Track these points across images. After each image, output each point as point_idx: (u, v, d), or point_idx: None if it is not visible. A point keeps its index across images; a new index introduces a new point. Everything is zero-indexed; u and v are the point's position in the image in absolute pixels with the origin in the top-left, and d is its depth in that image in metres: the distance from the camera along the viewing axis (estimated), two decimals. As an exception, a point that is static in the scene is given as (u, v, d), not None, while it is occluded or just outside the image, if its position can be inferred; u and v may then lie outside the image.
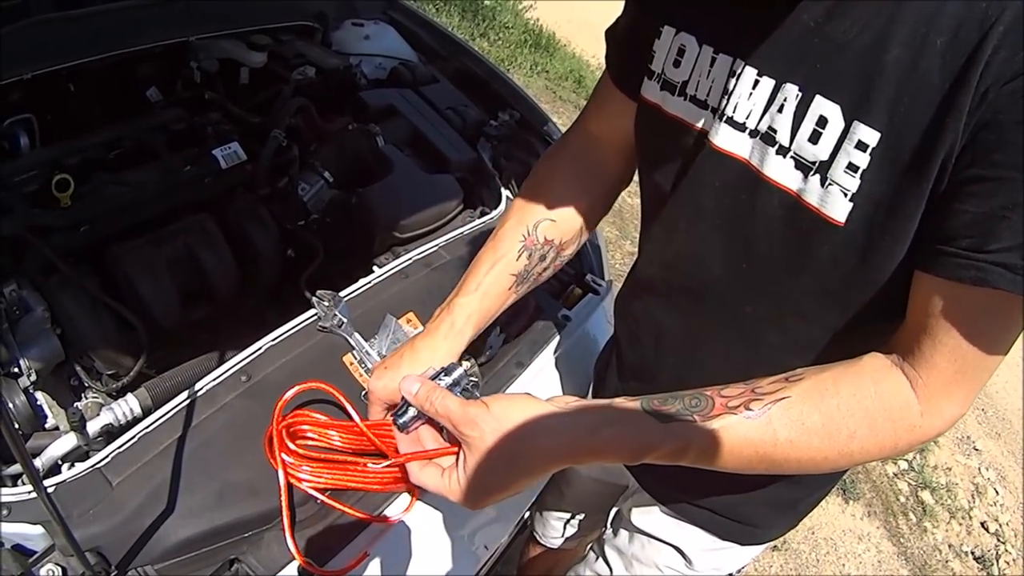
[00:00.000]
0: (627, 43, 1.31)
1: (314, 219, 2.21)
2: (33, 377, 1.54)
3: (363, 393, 1.43)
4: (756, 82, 1.04)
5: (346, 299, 1.65)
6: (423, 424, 1.12)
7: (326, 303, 1.58)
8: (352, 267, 2.13)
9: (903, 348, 0.99)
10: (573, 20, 11.05)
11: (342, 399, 1.37)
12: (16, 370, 1.52)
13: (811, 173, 0.99)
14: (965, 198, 0.88)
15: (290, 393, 1.32)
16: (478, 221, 2.22)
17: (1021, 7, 0.83)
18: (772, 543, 1.58)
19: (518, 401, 1.02)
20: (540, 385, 1.80)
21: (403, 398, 1.10)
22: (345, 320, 1.57)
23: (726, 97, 1.09)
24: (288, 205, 2.16)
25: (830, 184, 0.97)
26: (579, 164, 1.45)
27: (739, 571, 1.62)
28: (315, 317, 1.60)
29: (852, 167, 0.95)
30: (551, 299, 2.05)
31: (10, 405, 1.46)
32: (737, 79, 1.06)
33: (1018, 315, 0.91)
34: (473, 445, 1.00)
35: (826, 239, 1.01)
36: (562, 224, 1.40)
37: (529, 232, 1.37)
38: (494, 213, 2.29)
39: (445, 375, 1.12)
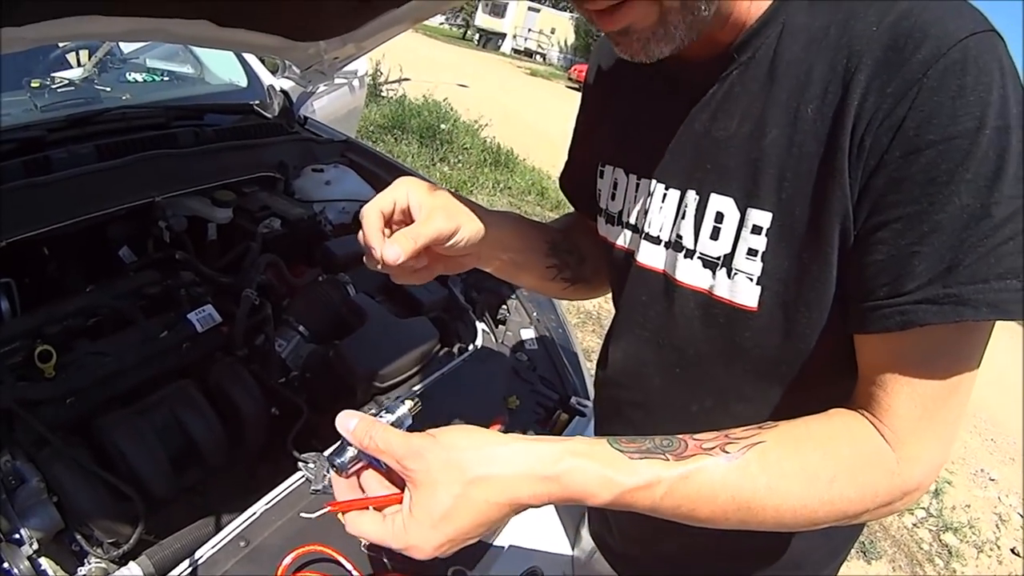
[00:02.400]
0: (581, 185, 1.45)
1: (294, 376, 2.29)
2: (35, 545, 1.58)
3: (363, 544, 1.48)
4: (664, 196, 1.14)
5: (330, 457, 1.72)
6: (365, 468, 1.02)
7: (312, 465, 1.67)
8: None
9: (863, 402, 0.99)
10: (528, 133, 11.39)
11: (342, 559, 1.44)
12: (18, 537, 1.57)
13: (718, 268, 1.06)
14: (873, 248, 0.91)
15: (289, 559, 1.39)
16: (457, 359, 2.32)
17: (878, 52, 0.88)
18: None
19: (469, 430, 0.97)
20: (541, 520, 1.84)
21: (341, 439, 1.01)
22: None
23: (644, 216, 1.20)
24: (267, 363, 2.24)
25: (735, 274, 1.03)
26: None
27: None
28: (305, 479, 1.67)
29: (752, 252, 1.01)
30: (539, 428, 2.12)
31: (15, 571, 1.50)
32: (651, 197, 1.17)
33: (963, 342, 0.92)
34: (419, 480, 0.92)
35: (745, 327, 1.06)
36: (589, 245, 1.48)
37: (563, 227, 1.52)
38: (471, 347, 2.40)
39: (386, 412, 1.04)
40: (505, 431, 1.79)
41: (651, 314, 1.21)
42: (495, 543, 1.71)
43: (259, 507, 1.60)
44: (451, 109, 12.16)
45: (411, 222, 1.12)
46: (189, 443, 1.94)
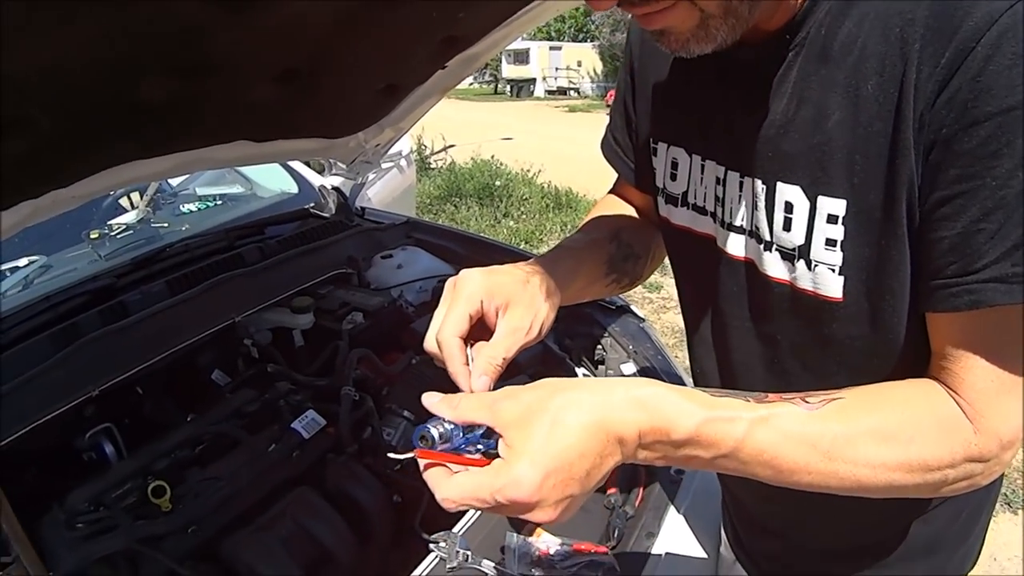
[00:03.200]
0: (629, 152, 1.46)
1: (409, 459, 2.28)
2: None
3: None
4: (740, 184, 1.12)
5: (462, 532, 1.74)
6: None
7: (443, 544, 1.68)
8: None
9: (938, 376, 0.98)
10: (582, 169, 11.46)
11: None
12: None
13: (796, 260, 1.04)
14: (938, 225, 0.90)
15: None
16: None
17: (929, 19, 0.87)
18: None
19: (547, 379, 0.96)
20: (678, 550, 1.83)
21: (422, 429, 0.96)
22: (468, 552, 1.66)
23: (719, 202, 1.18)
24: (379, 454, 2.26)
25: (816, 265, 1.02)
26: (629, 208, 1.56)
27: None
28: (439, 559, 1.68)
29: (830, 242, 1.00)
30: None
31: None
32: (723, 183, 1.16)
33: None
34: (512, 417, 0.90)
35: (832, 317, 1.05)
36: (638, 235, 1.48)
37: (616, 230, 1.46)
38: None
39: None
40: (625, 469, 1.81)
41: (745, 303, 1.20)
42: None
43: (401, 596, 1.60)
44: (501, 164, 12.26)
45: (487, 316, 1.11)
46: (318, 548, 1.96)
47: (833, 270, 1.01)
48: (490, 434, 0.94)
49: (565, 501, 0.88)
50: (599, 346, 2.67)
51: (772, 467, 0.93)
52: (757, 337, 1.21)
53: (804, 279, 1.05)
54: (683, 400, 0.92)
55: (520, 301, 1.11)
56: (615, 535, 1.81)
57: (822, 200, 0.99)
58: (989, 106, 0.82)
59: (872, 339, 1.05)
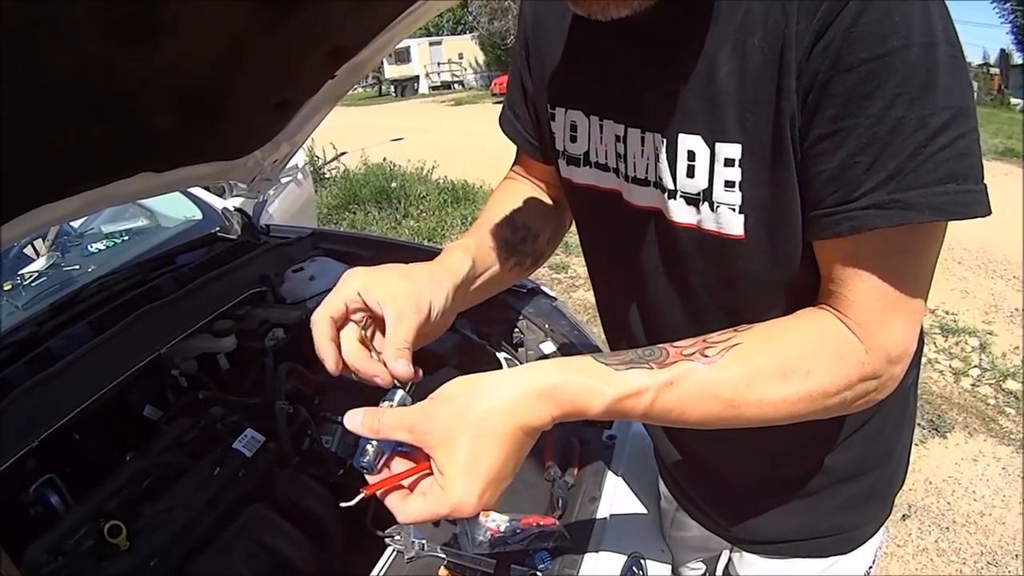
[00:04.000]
0: (530, 124, 1.49)
1: (350, 463, 2.33)
2: None
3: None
4: (641, 138, 1.17)
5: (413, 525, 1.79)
6: (390, 459, 1.03)
7: (398, 537, 1.73)
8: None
9: (828, 301, 1.06)
10: (474, 161, 11.48)
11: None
12: None
13: (700, 204, 1.10)
14: (818, 160, 0.97)
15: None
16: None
17: None
18: (892, 519, 1.57)
19: (461, 379, 1.01)
20: (622, 509, 1.90)
21: (357, 440, 1.02)
22: (423, 542, 1.71)
23: (621, 158, 1.23)
24: (322, 462, 2.31)
25: (718, 206, 1.08)
26: (527, 186, 1.59)
27: (869, 570, 1.62)
28: (396, 552, 1.73)
29: (729, 184, 1.06)
30: (587, 428, 2.18)
31: None
32: (624, 140, 1.21)
33: (914, 243, 0.99)
34: (435, 441, 0.96)
35: (737, 255, 1.11)
36: (535, 215, 1.51)
37: (509, 213, 1.48)
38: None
39: (386, 401, 1.06)
40: (559, 440, 1.86)
41: (655, 252, 1.26)
42: (592, 541, 1.76)
43: (365, 592, 1.64)
44: (394, 166, 12.22)
45: (374, 315, 1.14)
46: (277, 561, 1.99)
47: (734, 209, 1.07)
48: None
49: (502, 490, 0.99)
50: (516, 329, 2.73)
51: (681, 421, 1.03)
52: (671, 283, 1.27)
53: (708, 221, 1.11)
54: (591, 381, 0.99)
55: (399, 290, 1.14)
56: (560, 505, 1.88)
57: (719, 146, 1.05)
58: (863, 53, 0.90)
59: (774, 273, 1.12)
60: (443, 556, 1.70)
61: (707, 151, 1.07)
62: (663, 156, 1.13)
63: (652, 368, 1.00)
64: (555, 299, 2.77)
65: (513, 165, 1.64)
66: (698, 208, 1.11)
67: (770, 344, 1.04)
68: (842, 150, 0.95)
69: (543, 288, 2.79)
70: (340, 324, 1.14)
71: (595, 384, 0.99)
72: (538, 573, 1.67)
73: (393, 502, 1.00)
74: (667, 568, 1.86)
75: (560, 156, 1.37)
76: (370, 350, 1.13)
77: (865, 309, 1.01)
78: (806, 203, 1.02)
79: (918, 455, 4.35)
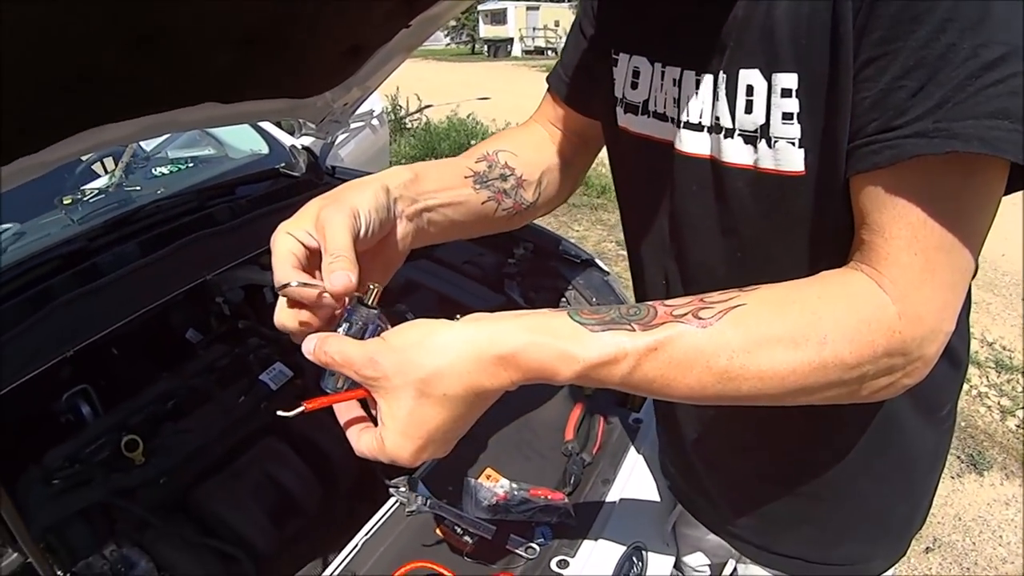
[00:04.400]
0: (577, 70, 1.46)
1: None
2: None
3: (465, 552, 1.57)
4: (697, 82, 1.12)
5: (421, 476, 1.79)
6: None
7: (403, 489, 1.73)
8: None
9: (860, 254, 0.96)
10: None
11: (446, 573, 1.50)
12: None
13: (758, 140, 1.03)
14: (861, 87, 0.90)
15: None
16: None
17: None
18: (915, 550, 1.50)
19: (419, 323, 0.93)
20: (634, 495, 1.88)
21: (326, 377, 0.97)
22: (428, 498, 1.71)
23: (676, 104, 1.18)
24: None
25: (776, 141, 1.01)
26: (537, 132, 1.53)
27: None
28: (398, 504, 1.73)
29: (787, 116, 0.99)
30: (616, 407, 2.15)
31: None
32: (679, 85, 1.16)
33: (960, 186, 0.89)
34: (379, 386, 0.89)
35: (796, 194, 1.03)
36: (523, 159, 1.41)
37: (489, 152, 1.38)
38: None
39: (345, 323, 0.97)
40: (583, 416, 1.85)
41: (707, 201, 1.17)
42: (596, 524, 1.75)
43: (360, 538, 1.66)
44: (477, 124, 12.21)
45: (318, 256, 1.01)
46: (284, 495, 2.02)
47: (792, 143, 1.00)
48: None
49: (452, 443, 0.95)
50: (563, 299, 2.71)
51: (666, 393, 0.92)
52: (720, 232, 1.19)
53: (766, 159, 1.04)
54: (560, 345, 0.89)
55: (320, 207, 1.02)
56: (571, 481, 1.86)
57: (776, 76, 1.00)
58: None
59: (834, 211, 1.02)
60: (443, 515, 1.70)
61: (764, 84, 1.02)
62: (722, 94, 1.08)
63: (634, 330, 0.90)
64: (607, 273, 2.73)
65: (532, 118, 1.59)
66: (755, 146, 1.05)
67: (780, 306, 0.92)
68: (887, 74, 0.88)
69: (597, 261, 2.76)
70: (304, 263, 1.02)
71: (564, 348, 0.89)
72: (536, 546, 1.66)
73: (351, 432, 0.97)
74: (669, 562, 1.83)
75: (618, 103, 1.32)
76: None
77: (901, 264, 0.90)
78: (851, 135, 0.94)
79: (952, 489, 4.24)
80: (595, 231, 8.36)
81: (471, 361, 0.89)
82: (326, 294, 0.95)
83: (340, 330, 0.96)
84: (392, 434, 0.90)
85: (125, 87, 1.90)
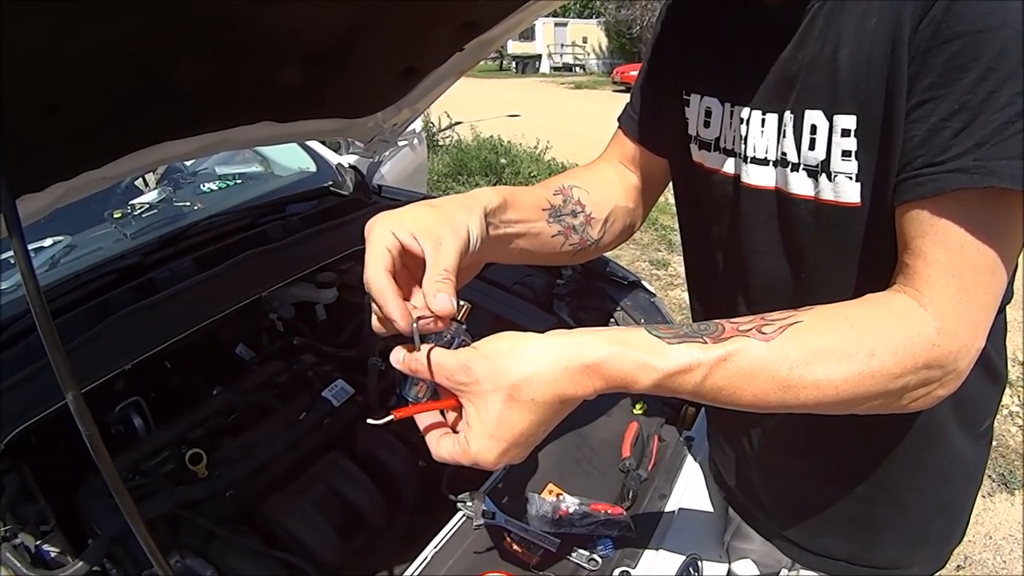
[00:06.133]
0: (648, 111, 1.54)
1: (388, 422, 2.37)
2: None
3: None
4: (763, 120, 1.22)
5: (487, 492, 1.83)
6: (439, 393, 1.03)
7: (470, 503, 1.77)
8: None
9: (902, 276, 1.04)
10: (588, 146, 11.47)
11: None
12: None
13: (819, 175, 1.13)
14: (911, 127, 1.00)
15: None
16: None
17: None
18: (946, 570, 1.53)
19: (508, 334, 1.00)
20: (689, 508, 1.92)
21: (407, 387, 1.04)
22: (495, 511, 1.75)
23: (743, 141, 1.27)
24: (405, 422, 2.32)
25: (836, 175, 1.11)
26: (607, 171, 1.59)
27: None
28: (465, 517, 1.77)
29: (846, 153, 1.09)
30: (669, 426, 2.20)
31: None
32: (747, 123, 1.25)
33: (997, 217, 0.97)
34: (469, 391, 0.97)
35: (853, 223, 1.13)
36: (593, 197, 1.46)
37: (565, 186, 1.43)
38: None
39: (435, 335, 1.02)
40: (638, 434, 1.89)
41: (772, 228, 1.27)
42: (655, 537, 1.79)
43: (429, 551, 1.70)
44: (506, 142, 12.26)
45: (414, 259, 1.06)
46: (349, 510, 2.06)
47: (850, 178, 1.10)
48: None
49: (530, 449, 1.01)
50: (612, 319, 2.74)
51: (732, 401, 1.00)
52: (785, 257, 1.28)
53: (826, 191, 1.13)
54: (641, 355, 0.97)
55: (431, 218, 1.08)
56: (630, 496, 1.90)
57: (837, 118, 1.10)
58: (960, 27, 0.94)
59: (883, 240, 1.10)
60: (510, 528, 1.74)
61: (826, 124, 1.11)
62: (789, 131, 1.17)
63: (706, 343, 0.99)
64: (654, 295, 2.77)
65: (606, 150, 1.65)
66: (817, 180, 1.15)
67: (832, 323, 1.01)
68: (934, 116, 0.97)
69: (643, 283, 2.80)
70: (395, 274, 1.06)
71: (644, 358, 0.97)
72: (598, 559, 1.70)
73: (431, 437, 1.04)
74: (723, 571, 1.87)
75: (692, 141, 1.41)
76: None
77: (940, 285, 0.99)
78: (899, 169, 1.04)
79: (983, 507, 4.22)
80: (628, 251, 8.36)
81: (559, 370, 0.96)
82: (416, 315, 1.00)
83: (430, 340, 1.02)
84: (478, 436, 0.97)
85: (192, 104, 1.96)
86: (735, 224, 1.35)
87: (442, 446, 1.01)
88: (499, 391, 0.95)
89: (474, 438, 0.97)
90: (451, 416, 1.05)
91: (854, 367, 0.98)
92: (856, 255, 1.17)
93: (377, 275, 1.02)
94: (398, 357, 1.02)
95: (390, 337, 1.06)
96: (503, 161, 11.29)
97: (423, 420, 1.06)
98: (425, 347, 1.00)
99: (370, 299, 1.05)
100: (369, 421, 1.05)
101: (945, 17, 0.95)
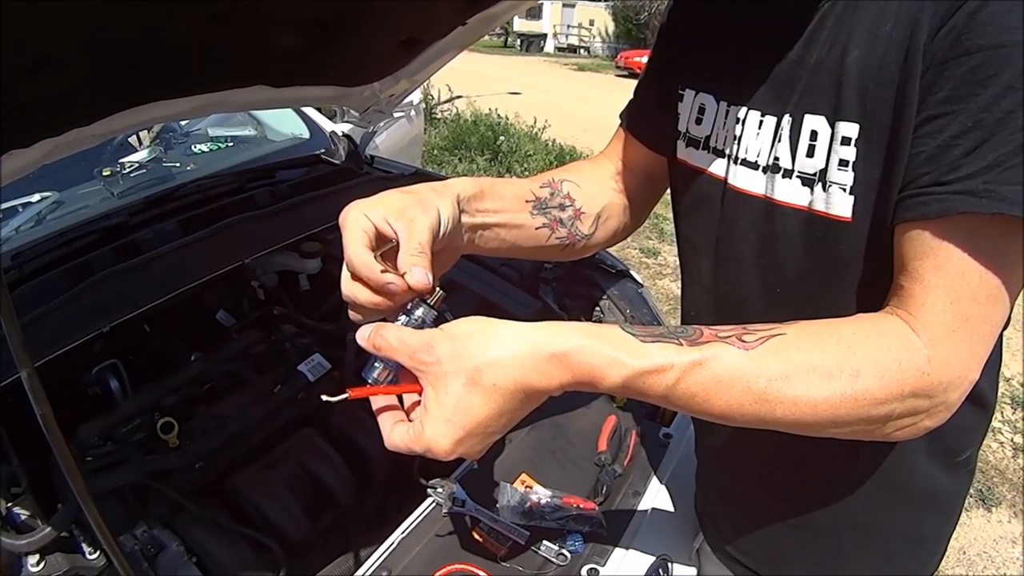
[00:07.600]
0: (650, 108, 1.49)
1: (342, 399, 2.35)
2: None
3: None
4: (760, 122, 1.17)
5: (457, 479, 1.80)
6: (401, 377, 1.00)
7: (440, 490, 1.75)
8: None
9: (897, 299, 0.99)
10: (587, 129, 11.40)
11: (482, 575, 1.52)
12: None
13: (815, 184, 1.08)
14: (919, 142, 0.94)
15: (436, 577, 1.46)
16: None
17: None
18: None
19: (478, 318, 0.97)
20: (662, 509, 1.91)
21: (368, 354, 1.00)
22: (465, 499, 1.73)
23: (736, 142, 1.22)
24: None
25: (830, 186, 1.05)
26: (605, 167, 1.56)
27: None
28: (435, 503, 1.75)
29: (843, 163, 1.03)
30: (648, 421, 2.18)
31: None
32: (743, 124, 1.20)
33: (1001, 245, 0.92)
34: (431, 371, 0.93)
35: (840, 238, 1.07)
36: (584, 191, 1.44)
37: (554, 180, 1.42)
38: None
39: (405, 315, 1.01)
40: (616, 428, 1.86)
41: (753, 237, 1.22)
42: (626, 535, 1.77)
43: (396, 536, 1.68)
44: (505, 119, 12.23)
45: (391, 252, 1.04)
46: (319, 488, 2.03)
47: (844, 189, 1.04)
48: None
49: (488, 443, 0.98)
50: (597, 308, 2.71)
51: (703, 410, 0.96)
52: (761, 268, 1.23)
53: (819, 202, 1.08)
54: (611, 350, 0.93)
55: (403, 201, 1.07)
56: (603, 492, 1.88)
57: (839, 125, 1.04)
58: (981, 40, 0.88)
59: (875, 261, 1.06)
60: (479, 517, 1.72)
61: (828, 131, 1.06)
62: (785, 137, 1.12)
63: (681, 344, 0.95)
64: (641, 285, 2.74)
65: (607, 146, 1.62)
66: (811, 189, 1.09)
67: (817, 339, 0.96)
68: (945, 132, 0.92)
69: (631, 272, 2.77)
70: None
71: (615, 353, 0.93)
72: (567, 554, 1.68)
73: (384, 422, 1.00)
74: (692, 574, 1.85)
75: (680, 137, 1.37)
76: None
77: (936, 311, 0.94)
78: (903, 185, 0.98)
79: (960, 522, 4.23)
80: (618, 235, 8.37)
81: (525, 355, 0.93)
82: (391, 284, 0.99)
83: (399, 322, 1.01)
84: (434, 420, 0.93)
85: (187, 64, 1.92)
86: (714, 227, 1.31)
87: (396, 432, 0.98)
88: (460, 373, 0.92)
89: (429, 422, 0.94)
90: (410, 404, 1.02)
91: (836, 387, 0.93)
92: (841, 274, 1.12)
93: (359, 252, 1.00)
94: (363, 334, 0.99)
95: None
96: (501, 138, 11.25)
97: (377, 402, 1.02)
98: (392, 325, 0.99)
99: (345, 291, 1.04)
100: (323, 397, 1.03)
101: (966, 28, 0.89)
